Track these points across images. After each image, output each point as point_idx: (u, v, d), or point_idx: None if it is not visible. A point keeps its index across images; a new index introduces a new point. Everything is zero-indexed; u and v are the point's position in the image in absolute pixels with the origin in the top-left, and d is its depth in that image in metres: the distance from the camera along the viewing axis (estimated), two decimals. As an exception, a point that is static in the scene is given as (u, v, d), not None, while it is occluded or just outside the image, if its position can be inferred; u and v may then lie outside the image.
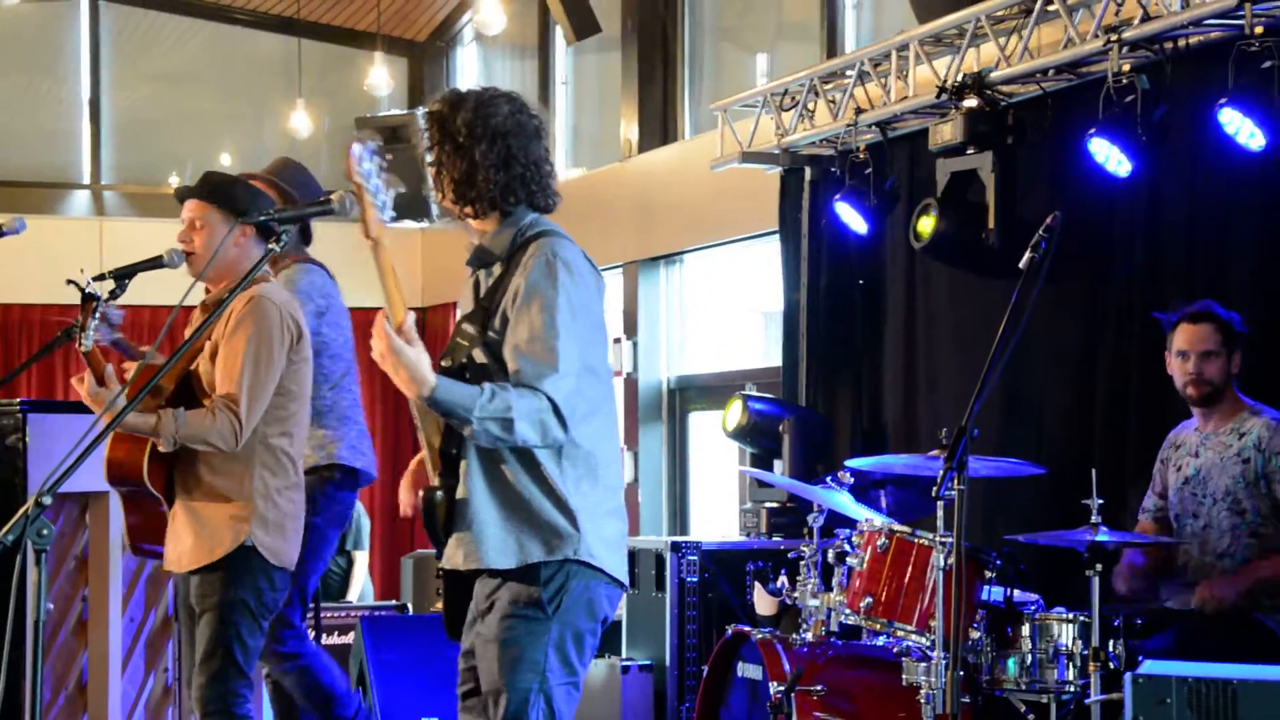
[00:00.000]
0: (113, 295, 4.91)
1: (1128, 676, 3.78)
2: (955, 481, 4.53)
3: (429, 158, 4.04)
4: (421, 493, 3.97)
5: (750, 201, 9.20)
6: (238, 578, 5.07)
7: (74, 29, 13.37)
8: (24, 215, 11.88)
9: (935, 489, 4.53)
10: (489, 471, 3.91)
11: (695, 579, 8.26)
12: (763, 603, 7.07)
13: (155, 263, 5.02)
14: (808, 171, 8.61)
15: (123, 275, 4.92)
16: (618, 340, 10.89)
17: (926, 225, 7.41)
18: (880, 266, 8.20)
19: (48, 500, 3.56)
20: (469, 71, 13.66)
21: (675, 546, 8.38)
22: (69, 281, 4.88)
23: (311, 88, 13.49)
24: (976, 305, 7.41)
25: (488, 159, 4.00)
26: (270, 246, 4.05)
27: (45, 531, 3.56)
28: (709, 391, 10.51)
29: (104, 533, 6.65)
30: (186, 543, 5.13)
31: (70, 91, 13.42)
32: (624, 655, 8.78)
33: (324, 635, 8.27)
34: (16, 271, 10.68)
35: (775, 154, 8.55)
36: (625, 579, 4.00)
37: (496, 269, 4.04)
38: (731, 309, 10.89)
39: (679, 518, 10.76)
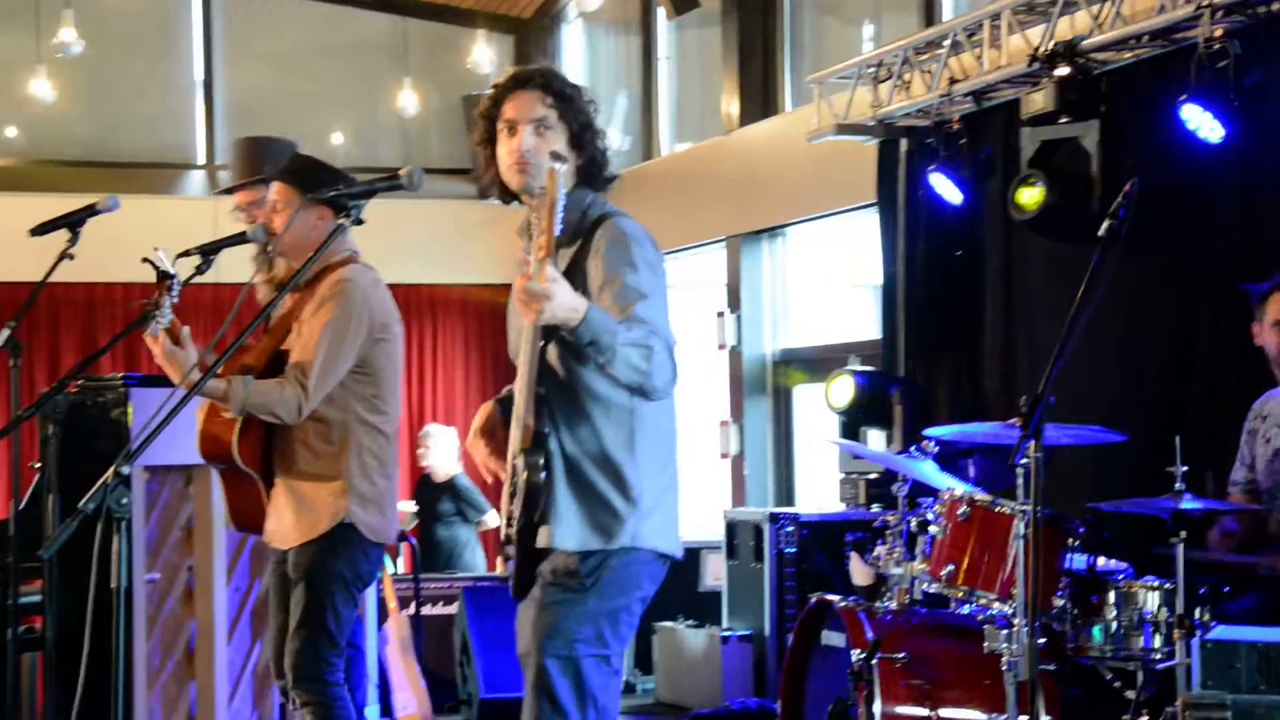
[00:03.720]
0: (198, 271, 4.99)
1: (1195, 641, 3.77)
2: (1031, 449, 4.53)
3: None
4: (526, 475, 3.90)
5: (850, 174, 9.20)
6: (336, 551, 5.17)
7: (187, 12, 13.57)
8: (140, 196, 12.18)
9: (1010, 456, 4.52)
10: (568, 454, 3.95)
11: (793, 550, 8.31)
12: (859, 573, 7.09)
13: (239, 238, 5.12)
14: (903, 143, 8.60)
15: (208, 251, 5.00)
16: (721, 314, 10.92)
17: (1031, 198, 7.37)
18: (977, 237, 8.17)
19: (126, 470, 3.62)
20: (573, 48, 13.73)
21: (773, 518, 8.43)
22: (144, 260, 4.98)
23: (419, 67, 13.61)
24: (1076, 274, 7.33)
25: (598, 143, 4.07)
26: (339, 222, 4.12)
27: (125, 500, 3.63)
28: (813, 364, 10.52)
29: (208, 504, 6.78)
30: (288, 520, 5.25)
31: (184, 74, 13.62)
32: (724, 625, 8.85)
33: (426, 605, 8.40)
34: (134, 252, 10.83)
35: (870, 125, 8.55)
36: (678, 551, 4.04)
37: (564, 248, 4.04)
38: (834, 281, 10.89)
39: (784, 489, 10.78)
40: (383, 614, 7.45)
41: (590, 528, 3.95)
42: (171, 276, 4.91)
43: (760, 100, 10.95)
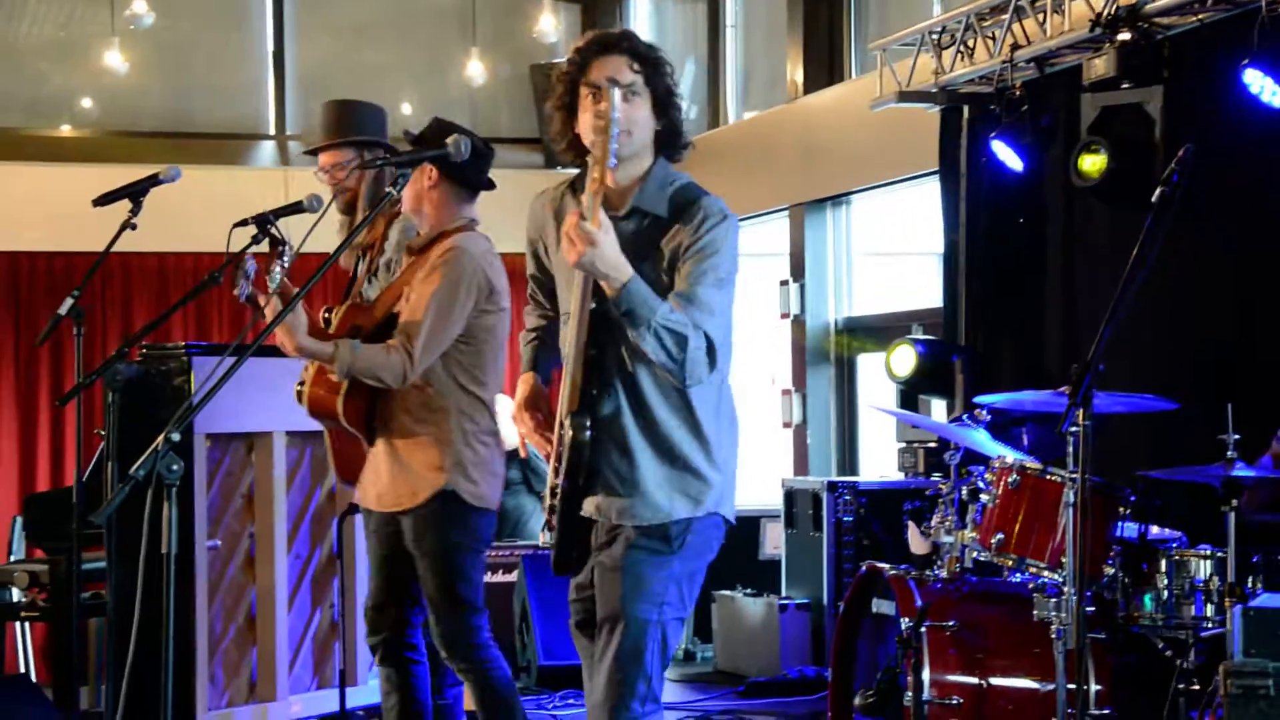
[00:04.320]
0: (254, 241, 5.05)
1: (1237, 609, 3.76)
2: (1080, 417, 4.52)
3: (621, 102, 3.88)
4: (572, 435, 3.92)
5: (913, 142, 9.15)
6: (447, 520, 5.19)
7: (258, -16, 13.70)
8: (212, 166, 12.29)
9: (1059, 424, 4.52)
10: (646, 419, 3.95)
11: (851, 519, 8.32)
12: (916, 542, 7.08)
13: (295, 208, 5.17)
14: (966, 110, 8.55)
15: (264, 221, 5.06)
16: (785, 282, 10.91)
17: (1093, 164, 7.32)
18: (1039, 204, 8.13)
19: (176, 436, 3.69)
20: (640, 17, 13.71)
21: (832, 486, 8.44)
22: (251, 220, 5.01)
23: (486, 36, 13.64)
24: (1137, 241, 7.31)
25: (677, 110, 4.02)
26: (388, 191, 4.16)
27: (175, 467, 3.69)
28: (876, 332, 10.50)
29: (269, 472, 6.87)
30: (385, 482, 5.29)
31: (255, 45, 13.71)
32: (783, 594, 8.87)
33: (487, 573, 8.44)
34: (207, 222, 10.93)
35: (933, 93, 8.51)
36: (734, 517, 4.09)
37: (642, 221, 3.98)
38: (899, 250, 10.86)
39: (848, 458, 10.78)
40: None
41: (678, 495, 3.96)
42: (284, 243, 4.96)
43: (825, 68, 10.91)
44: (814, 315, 10.83)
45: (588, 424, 3.92)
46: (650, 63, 3.97)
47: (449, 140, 4.16)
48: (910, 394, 8.61)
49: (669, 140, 4.00)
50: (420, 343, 5.09)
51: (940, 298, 9.00)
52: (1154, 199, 4.78)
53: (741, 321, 11.70)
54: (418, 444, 5.20)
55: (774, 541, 9.23)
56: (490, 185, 5.46)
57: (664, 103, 3.96)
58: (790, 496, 8.93)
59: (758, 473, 10.78)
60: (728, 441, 4.05)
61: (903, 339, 8.61)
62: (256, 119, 13.74)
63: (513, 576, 8.64)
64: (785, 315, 10.91)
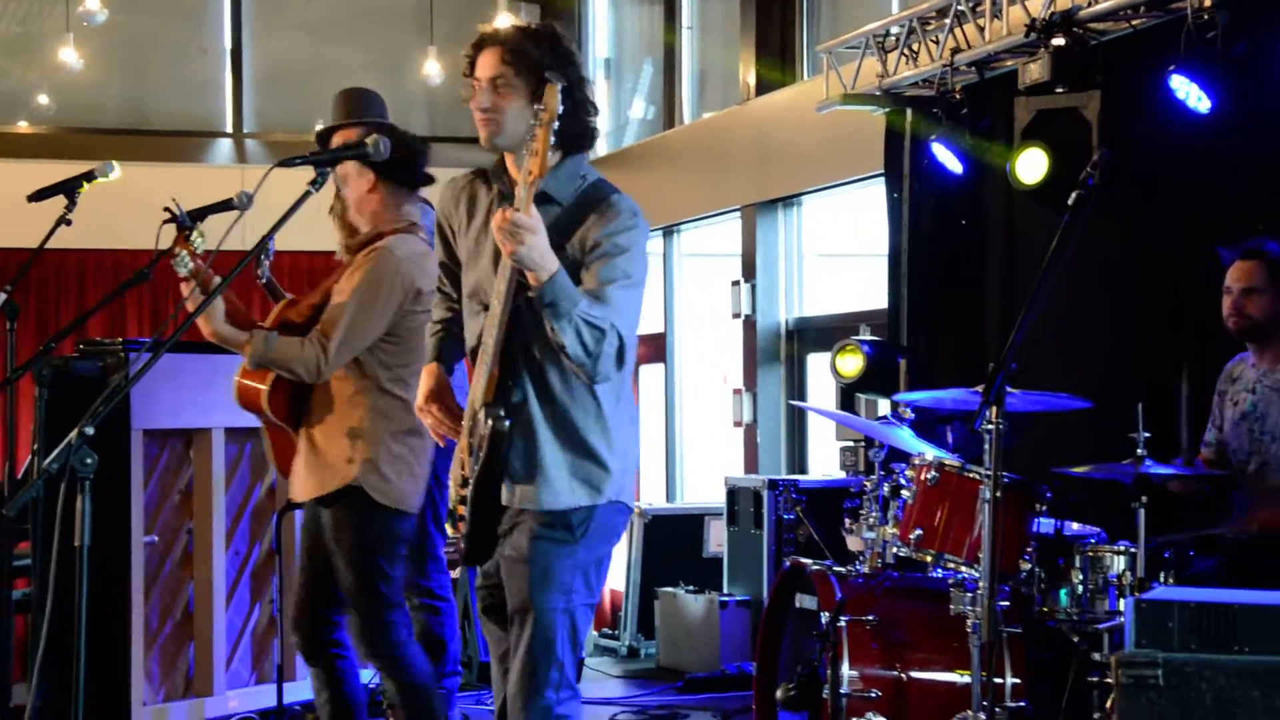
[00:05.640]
0: (186, 238, 5.10)
1: (1130, 601, 3.84)
2: (993, 414, 4.61)
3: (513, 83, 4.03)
4: (491, 421, 3.97)
5: (862, 144, 9.21)
6: (361, 518, 5.25)
7: (215, -19, 13.72)
8: (169, 164, 12.30)
9: (971, 422, 4.60)
10: (552, 407, 4.02)
11: (792, 516, 8.40)
12: (854, 539, 7.17)
13: (225, 205, 5.22)
14: (909, 113, 8.62)
15: (195, 218, 5.11)
16: (736, 283, 10.97)
17: (1031, 168, 7.38)
18: (979, 206, 8.21)
19: (90, 430, 3.72)
20: (599, 18, 13.77)
21: (773, 484, 8.52)
22: (164, 209, 5.07)
23: (444, 36, 13.68)
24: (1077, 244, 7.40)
25: (580, 99, 4.07)
26: (306, 189, 4.20)
27: (89, 460, 3.72)
28: (827, 333, 10.57)
29: (207, 468, 6.91)
30: (301, 472, 5.37)
31: (212, 41, 13.75)
32: (724, 591, 8.95)
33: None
34: (161, 220, 10.95)
35: (877, 95, 8.58)
36: (634, 504, 4.19)
37: (550, 212, 4.02)
38: (849, 251, 10.93)
39: (797, 457, 10.84)
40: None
41: (579, 483, 4.03)
42: (190, 226, 5.01)
43: (778, 70, 10.97)
44: (765, 315, 10.89)
45: (504, 414, 3.98)
46: (522, 54, 4.02)
47: (368, 140, 4.22)
48: (850, 394, 8.67)
49: (566, 128, 3.96)
50: (337, 338, 5.14)
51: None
52: (1070, 201, 4.87)
53: (694, 321, 11.69)
54: (333, 436, 5.26)
55: (717, 539, 9.30)
56: (428, 180, 5.52)
57: (541, 92, 3.90)
58: (732, 494, 9.01)
59: (708, 472, 10.86)
60: (629, 433, 4.13)
61: (849, 341, 8.67)
62: (213, 116, 13.77)
63: (455, 573, 8.67)
64: (737, 315, 10.97)
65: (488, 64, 4.06)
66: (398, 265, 5.25)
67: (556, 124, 3.80)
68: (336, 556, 5.27)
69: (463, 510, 4.06)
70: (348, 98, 6.15)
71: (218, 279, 4.99)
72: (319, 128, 6.15)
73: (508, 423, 3.97)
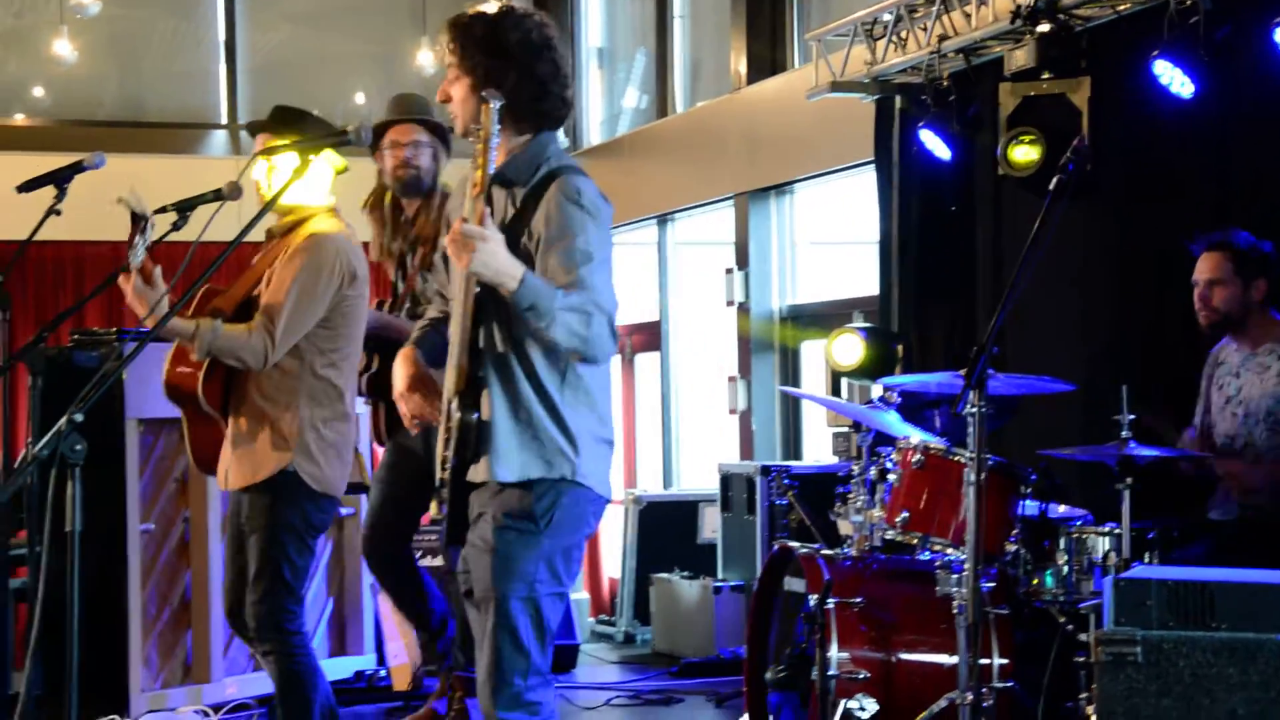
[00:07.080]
0: (175, 228, 5.12)
1: (1108, 580, 3.90)
2: (974, 398, 4.66)
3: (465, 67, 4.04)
4: (459, 415, 4.02)
5: (852, 131, 9.26)
6: (284, 501, 5.25)
7: (209, -27, 13.76)
8: (164, 155, 12.33)
9: (954, 406, 4.65)
10: (506, 394, 4.05)
11: (785, 501, 8.45)
12: (844, 523, 7.21)
13: (215, 195, 5.25)
14: (898, 100, 8.67)
15: (183, 208, 5.13)
16: (730, 271, 11.02)
17: (1024, 155, 7.42)
18: (968, 193, 8.25)
19: (79, 417, 3.76)
20: (591, 7, 13.80)
21: (765, 470, 8.57)
22: (118, 200, 5.11)
23: (438, 26, 13.62)
24: (1064, 229, 7.42)
25: (541, 77, 4.04)
26: (291, 178, 4.24)
27: (79, 447, 3.75)
28: (819, 320, 10.62)
29: (203, 456, 6.96)
30: (231, 460, 5.36)
31: (206, 33, 13.79)
32: (718, 576, 9.01)
33: (426, 558, 8.55)
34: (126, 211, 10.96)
35: (865, 83, 8.62)
36: (610, 495, 4.20)
37: (512, 195, 4.08)
38: (841, 238, 10.97)
39: (792, 443, 10.90)
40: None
41: (531, 456, 4.04)
42: (144, 218, 5.04)
43: (769, 58, 11.01)
44: (759, 303, 10.94)
45: (472, 404, 4.04)
46: (467, 38, 4.03)
47: (350, 127, 4.26)
48: (838, 380, 8.71)
49: (516, 111, 3.99)
50: (282, 325, 5.17)
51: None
52: (1051, 187, 4.92)
53: (689, 309, 11.70)
54: (265, 423, 5.27)
55: (711, 525, 9.36)
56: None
57: (491, 77, 3.94)
58: (726, 481, 9.06)
59: (705, 459, 10.91)
60: (587, 419, 4.12)
61: (845, 327, 8.68)
62: (208, 108, 13.80)
63: (439, 560, 8.73)
64: (731, 303, 11.02)
65: (444, 52, 4.14)
66: (337, 250, 5.29)
67: (495, 140, 3.85)
68: (249, 536, 5.28)
69: (444, 494, 4.12)
70: (405, 99, 6.61)
71: (157, 270, 5.06)
72: (374, 121, 6.25)
73: (476, 415, 4.03)
